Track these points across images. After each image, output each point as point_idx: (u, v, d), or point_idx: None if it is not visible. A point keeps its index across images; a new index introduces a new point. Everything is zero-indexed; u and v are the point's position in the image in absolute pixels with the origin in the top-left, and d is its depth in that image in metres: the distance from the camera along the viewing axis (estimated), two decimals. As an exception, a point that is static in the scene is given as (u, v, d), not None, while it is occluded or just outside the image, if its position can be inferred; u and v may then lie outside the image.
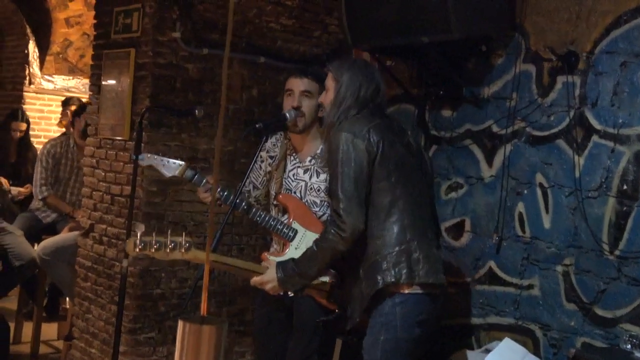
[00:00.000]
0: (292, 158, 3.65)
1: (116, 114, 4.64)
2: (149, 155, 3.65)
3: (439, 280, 3.06)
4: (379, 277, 2.97)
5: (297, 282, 3.13)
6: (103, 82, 4.80)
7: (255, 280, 3.18)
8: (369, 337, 3.04)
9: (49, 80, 8.30)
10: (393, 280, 2.95)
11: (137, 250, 2.96)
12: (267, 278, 3.15)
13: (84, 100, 6.30)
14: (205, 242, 4.37)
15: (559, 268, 3.74)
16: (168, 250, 2.97)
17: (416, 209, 3.08)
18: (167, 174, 3.60)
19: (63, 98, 7.39)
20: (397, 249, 2.97)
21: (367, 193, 3.01)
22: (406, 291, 2.97)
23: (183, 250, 3.00)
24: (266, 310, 3.73)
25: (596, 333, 3.56)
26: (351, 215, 2.96)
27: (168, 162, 3.59)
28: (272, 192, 3.67)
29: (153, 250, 2.96)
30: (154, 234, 2.98)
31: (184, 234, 3.04)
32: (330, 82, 3.24)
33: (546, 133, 3.84)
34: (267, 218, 3.53)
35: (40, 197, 5.72)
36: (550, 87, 3.84)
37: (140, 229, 2.95)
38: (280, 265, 3.13)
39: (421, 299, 3.00)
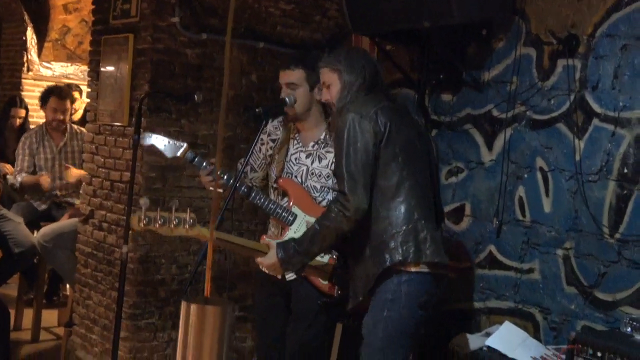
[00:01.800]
0: (295, 142, 3.64)
1: (115, 100, 4.63)
2: (149, 135, 3.64)
3: (445, 260, 3.07)
4: (387, 256, 2.98)
5: (298, 261, 3.13)
6: (102, 68, 4.78)
7: (258, 260, 3.19)
8: (371, 315, 3.05)
9: (47, 67, 8.27)
10: (400, 258, 2.96)
11: (142, 225, 2.96)
12: (268, 259, 3.16)
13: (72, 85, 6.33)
14: (205, 226, 4.36)
15: (559, 252, 3.74)
16: (172, 226, 2.97)
17: (422, 190, 3.09)
18: (168, 154, 3.59)
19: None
20: (404, 228, 2.98)
21: (372, 174, 3.01)
22: (413, 269, 2.98)
23: (187, 227, 3.00)
24: (265, 295, 3.74)
25: (596, 316, 3.56)
26: (356, 194, 2.96)
27: (169, 142, 3.59)
28: (273, 176, 3.67)
29: (157, 225, 2.96)
30: (158, 210, 2.97)
31: (188, 210, 3.03)
32: (329, 76, 3.22)
33: (546, 117, 3.84)
34: (266, 202, 3.54)
35: (17, 185, 5.76)
36: (550, 70, 3.83)
37: (145, 204, 2.94)
38: (280, 245, 3.13)
39: (427, 279, 3.01)
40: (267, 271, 3.24)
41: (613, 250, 3.52)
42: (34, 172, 5.79)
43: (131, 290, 4.40)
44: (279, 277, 3.35)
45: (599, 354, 3.05)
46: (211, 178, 3.57)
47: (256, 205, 3.58)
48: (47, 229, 5.39)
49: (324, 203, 3.54)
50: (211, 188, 3.65)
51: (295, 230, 3.46)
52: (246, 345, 4.86)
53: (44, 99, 5.94)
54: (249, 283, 4.75)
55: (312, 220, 3.39)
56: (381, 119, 3.02)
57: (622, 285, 3.47)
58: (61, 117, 5.86)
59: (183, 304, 1.49)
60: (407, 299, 2.99)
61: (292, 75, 3.53)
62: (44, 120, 6.21)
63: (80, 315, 4.92)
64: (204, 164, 3.55)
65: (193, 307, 1.48)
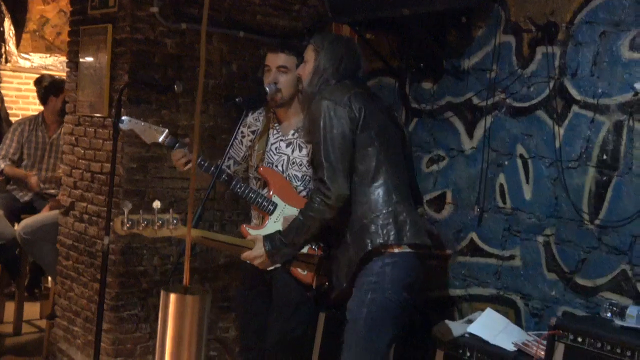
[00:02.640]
0: (275, 132, 3.64)
1: (95, 91, 4.60)
2: (129, 120, 3.61)
3: (426, 241, 3.09)
4: (368, 240, 2.99)
5: (286, 253, 3.14)
6: (80, 59, 4.74)
7: (244, 255, 3.19)
8: (355, 297, 3.05)
9: (25, 59, 8.21)
10: (381, 241, 2.97)
11: (125, 228, 2.94)
12: (256, 253, 3.15)
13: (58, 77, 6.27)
14: (187, 217, 4.35)
15: (540, 238, 3.76)
16: (156, 228, 2.96)
17: (399, 173, 3.11)
18: (148, 140, 3.58)
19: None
20: (384, 211, 3.00)
21: (350, 160, 3.02)
22: (395, 250, 2.99)
23: (171, 227, 2.99)
24: (247, 286, 3.75)
25: (577, 302, 3.59)
26: (336, 182, 2.97)
27: (150, 127, 3.57)
28: (253, 165, 3.67)
29: (141, 228, 2.94)
30: (141, 212, 2.96)
31: (171, 210, 3.02)
32: (310, 54, 3.25)
33: (526, 104, 3.85)
34: (247, 190, 3.53)
35: None
36: (530, 58, 3.84)
37: (127, 207, 2.93)
38: (267, 238, 3.13)
39: (410, 259, 3.02)
40: (254, 264, 3.22)
41: (593, 236, 3.55)
42: (19, 160, 5.76)
43: (113, 281, 4.39)
44: (270, 267, 3.35)
45: (579, 339, 3.07)
46: (182, 157, 3.54)
47: (236, 194, 3.57)
48: (28, 221, 5.36)
49: (305, 192, 3.54)
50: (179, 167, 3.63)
51: (275, 220, 3.46)
52: (229, 335, 4.86)
53: (57, 89, 5.82)
54: (231, 273, 4.75)
55: (292, 209, 3.40)
56: (355, 105, 3.03)
57: (602, 271, 3.50)
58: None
59: (162, 293, 1.49)
60: (392, 281, 2.99)
61: (287, 60, 3.53)
62: (24, 111, 6.17)
63: (62, 308, 4.91)
64: (185, 149, 3.55)
65: (172, 296, 1.48)
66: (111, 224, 3.84)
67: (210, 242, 3.32)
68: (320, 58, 3.18)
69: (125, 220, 2.92)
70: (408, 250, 3.01)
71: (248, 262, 3.24)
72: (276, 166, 3.59)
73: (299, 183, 3.56)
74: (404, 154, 3.24)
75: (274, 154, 3.61)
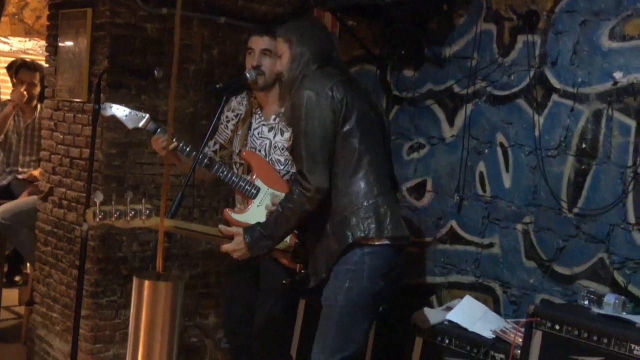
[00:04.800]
0: (257, 116, 3.63)
1: (74, 76, 4.56)
2: (111, 105, 3.59)
3: (405, 233, 3.10)
4: (349, 233, 2.98)
5: (266, 245, 3.11)
6: (60, 43, 4.70)
7: (224, 247, 3.17)
8: (332, 284, 3.04)
9: (4, 42, 8.12)
10: (362, 235, 2.97)
11: (97, 220, 2.92)
12: (235, 246, 3.13)
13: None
14: (167, 205, 4.33)
15: (519, 226, 3.78)
16: (129, 219, 2.94)
17: (380, 163, 3.10)
18: (130, 125, 3.56)
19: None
20: (365, 204, 2.99)
21: (331, 151, 3.00)
22: (375, 242, 2.99)
23: (144, 218, 2.98)
24: (233, 271, 3.74)
25: (555, 289, 3.61)
26: (315, 174, 2.95)
27: (131, 112, 3.55)
28: (235, 150, 3.66)
29: (113, 219, 2.92)
30: (113, 203, 2.94)
31: (143, 200, 3.00)
32: (281, 46, 3.20)
33: (507, 92, 3.86)
34: (229, 174, 3.51)
35: None
36: (510, 46, 3.85)
37: (98, 198, 2.90)
38: (247, 230, 3.11)
39: (389, 250, 3.02)
40: (233, 256, 3.21)
41: (571, 224, 3.57)
42: (3, 141, 5.73)
43: (92, 268, 4.37)
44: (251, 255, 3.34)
45: (557, 327, 3.10)
46: (165, 144, 3.53)
47: (219, 178, 3.56)
48: (6, 206, 5.32)
49: (287, 176, 3.53)
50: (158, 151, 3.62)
51: (258, 204, 3.46)
52: (209, 321, 4.85)
53: (16, 71, 5.83)
54: (211, 260, 4.74)
55: (275, 193, 3.39)
56: (337, 95, 3.00)
57: (580, 259, 3.52)
58: (32, 91, 5.78)
59: (135, 280, 1.48)
60: (370, 271, 2.99)
61: (271, 43, 3.50)
62: (4, 96, 6.12)
63: (41, 294, 4.88)
64: (166, 135, 3.53)
65: (145, 282, 1.47)
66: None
67: (184, 232, 3.31)
68: (294, 47, 3.14)
69: (97, 211, 2.90)
70: (387, 242, 3.02)
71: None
72: (259, 150, 3.58)
73: (281, 167, 3.55)
74: (384, 139, 3.23)
75: (257, 139, 3.60)
